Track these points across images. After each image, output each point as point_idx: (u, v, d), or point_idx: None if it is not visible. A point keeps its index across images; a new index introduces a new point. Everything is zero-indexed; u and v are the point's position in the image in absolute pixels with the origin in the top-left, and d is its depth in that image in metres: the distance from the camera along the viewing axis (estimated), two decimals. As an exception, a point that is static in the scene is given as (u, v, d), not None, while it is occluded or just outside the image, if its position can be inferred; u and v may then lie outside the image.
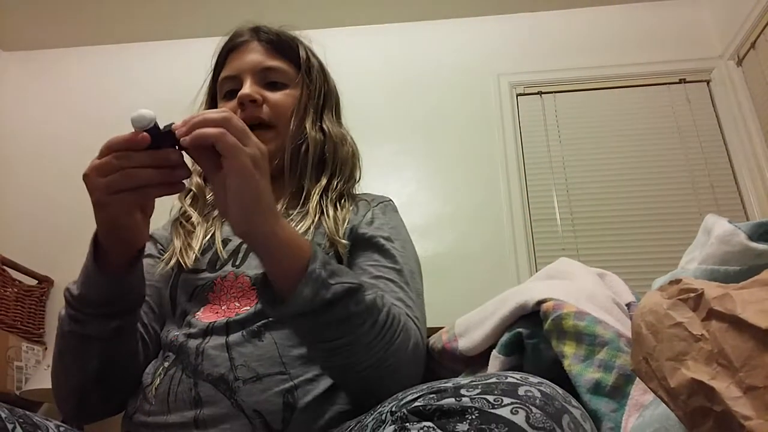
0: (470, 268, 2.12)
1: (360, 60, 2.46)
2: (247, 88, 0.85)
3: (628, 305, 0.84)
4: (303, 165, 0.87)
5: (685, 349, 0.38)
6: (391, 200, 0.92)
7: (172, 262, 0.80)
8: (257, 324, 0.71)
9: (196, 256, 0.79)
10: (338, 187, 0.88)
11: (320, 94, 0.93)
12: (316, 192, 0.85)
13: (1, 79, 2.63)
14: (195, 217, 0.86)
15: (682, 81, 2.33)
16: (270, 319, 0.72)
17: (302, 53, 0.93)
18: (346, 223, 0.82)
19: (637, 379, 0.61)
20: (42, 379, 1.77)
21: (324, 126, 0.91)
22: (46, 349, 2.06)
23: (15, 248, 2.17)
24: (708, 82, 2.33)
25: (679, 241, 1.93)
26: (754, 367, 0.34)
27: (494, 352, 0.77)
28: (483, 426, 0.42)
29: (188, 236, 0.83)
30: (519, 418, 0.43)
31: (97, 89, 2.58)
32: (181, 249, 0.81)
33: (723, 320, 0.36)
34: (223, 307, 0.75)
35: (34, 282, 2.15)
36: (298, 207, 0.84)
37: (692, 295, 0.39)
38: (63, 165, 2.44)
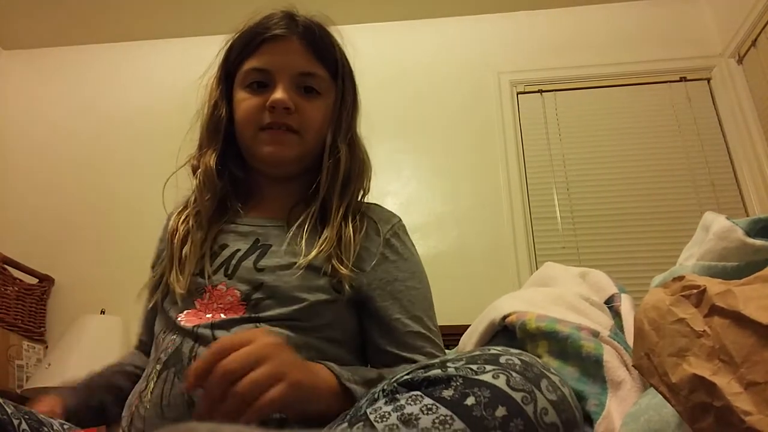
0: (470, 266, 2.12)
1: (358, 58, 2.45)
2: (282, 92, 0.81)
3: (611, 297, 0.88)
4: (332, 181, 0.84)
5: (686, 345, 0.38)
6: (399, 220, 0.90)
7: (158, 293, 0.80)
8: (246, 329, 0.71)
9: (188, 280, 0.78)
10: (356, 206, 0.86)
11: (352, 105, 0.91)
12: (340, 213, 0.82)
13: (3, 79, 2.63)
14: (191, 221, 0.83)
15: (682, 79, 2.33)
16: (257, 325, 0.72)
17: (339, 58, 0.89)
18: (356, 249, 0.80)
19: (605, 359, 0.65)
20: (43, 378, 1.77)
21: (353, 141, 0.89)
22: (46, 347, 2.07)
23: (16, 247, 2.17)
24: (708, 80, 2.33)
25: (679, 239, 1.93)
26: (756, 363, 0.34)
27: None
28: (467, 390, 0.46)
29: (181, 248, 0.81)
30: (500, 382, 0.46)
31: (99, 88, 2.58)
32: (173, 272, 0.79)
33: (725, 316, 0.36)
34: (207, 315, 0.74)
35: (34, 281, 2.15)
36: (322, 226, 0.81)
37: (695, 291, 0.39)
38: (64, 164, 2.44)
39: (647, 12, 2.45)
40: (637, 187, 2.19)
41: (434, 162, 2.33)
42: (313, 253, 0.76)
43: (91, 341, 1.84)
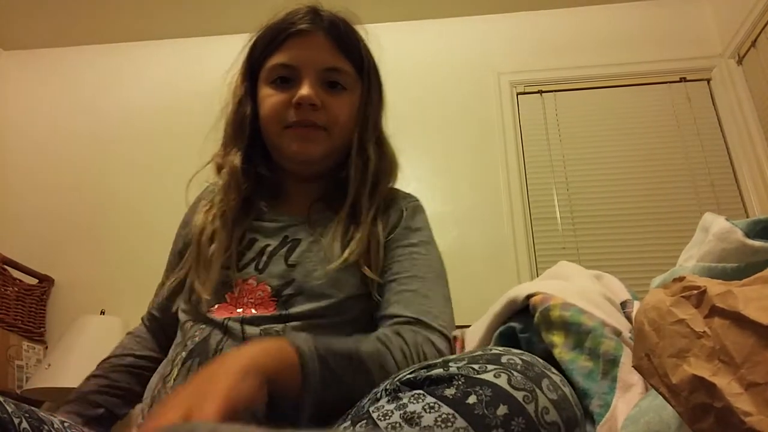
0: (470, 267, 2.12)
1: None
2: (308, 88, 0.79)
3: (624, 303, 0.86)
4: (361, 182, 0.82)
5: (687, 345, 0.38)
6: (417, 201, 0.91)
7: (185, 291, 0.79)
8: (276, 328, 0.70)
9: (213, 285, 0.76)
10: (383, 203, 0.84)
11: (378, 102, 0.89)
12: (371, 214, 0.80)
13: (3, 79, 2.63)
14: (218, 221, 0.81)
15: (682, 80, 2.33)
16: (288, 324, 0.71)
17: (364, 54, 0.88)
18: (381, 245, 0.79)
19: (622, 360, 0.64)
20: (42, 378, 1.77)
21: (380, 139, 0.88)
22: (46, 348, 2.06)
23: (16, 247, 2.17)
24: (708, 80, 2.33)
25: (679, 240, 1.93)
26: (756, 364, 0.34)
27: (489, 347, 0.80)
28: (468, 389, 0.46)
29: (208, 248, 0.79)
30: (501, 381, 0.46)
31: (99, 88, 2.58)
32: (198, 277, 0.77)
33: (725, 317, 0.36)
34: (238, 310, 0.74)
35: (34, 281, 2.15)
36: (353, 226, 0.80)
37: (695, 292, 0.39)
38: (64, 164, 2.44)
39: (647, 12, 2.45)
40: (636, 187, 2.19)
41: (434, 162, 2.33)
42: (344, 256, 0.75)
43: (91, 342, 1.84)
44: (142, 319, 0.94)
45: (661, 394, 0.40)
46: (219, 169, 0.86)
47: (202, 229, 0.81)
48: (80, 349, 1.81)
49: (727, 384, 0.35)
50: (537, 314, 0.74)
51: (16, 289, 2.05)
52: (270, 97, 0.83)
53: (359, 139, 0.84)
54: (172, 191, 2.45)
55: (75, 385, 1.71)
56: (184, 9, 2.48)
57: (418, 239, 0.83)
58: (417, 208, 0.88)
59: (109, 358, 0.89)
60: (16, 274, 2.07)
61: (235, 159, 0.83)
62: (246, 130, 0.85)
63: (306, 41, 0.82)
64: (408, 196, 0.90)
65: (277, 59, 0.83)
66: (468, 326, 0.96)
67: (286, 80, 0.82)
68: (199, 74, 2.50)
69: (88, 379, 0.85)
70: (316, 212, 0.83)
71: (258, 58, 0.87)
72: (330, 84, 0.83)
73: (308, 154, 0.82)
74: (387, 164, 0.87)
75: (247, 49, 0.89)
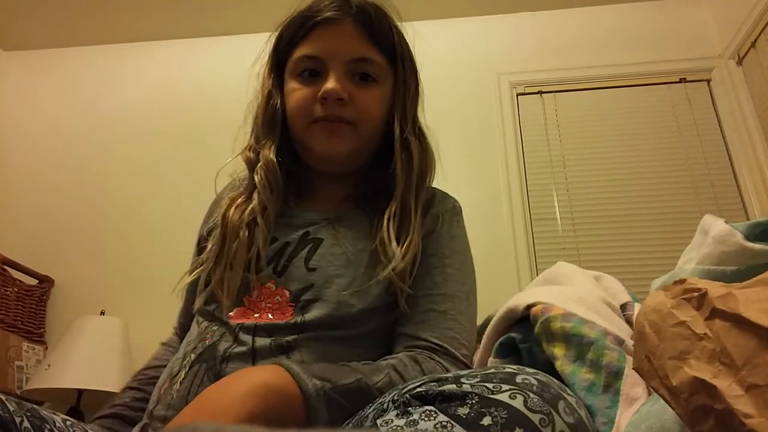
0: (470, 267, 2.11)
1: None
2: (334, 82, 0.75)
3: (624, 305, 0.85)
4: (407, 180, 0.77)
5: (687, 347, 0.38)
6: (455, 203, 0.86)
7: (204, 292, 0.74)
8: (288, 338, 0.67)
9: (234, 292, 0.72)
10: (424, 202, 0.79)
11: (414, 92, 0.84)
12: (419, 216, 0.75)
13: (3, 79, 2.63)
14: (248, 219, 0.76)
15: (682, 80, 2.33)
16: (302, 334, 0.68)
17: (397, 41, 0.83)
18: (419, 254, 0.74)
19: (625, 373, 0.63)
20: (42, 379, 1.77)
21: (421, 132, 0.83)
22: (46, 348, 2.06)
23: (15, 248, 2.17)
24: (708, 81, 2.33)
25: (679, 241, 1.93)
26: (756, 366, 0.34)
27: (490, 358, 0.79)
28: (483, 409, 0.44)
29: (231, 248, 0.74)
30: (517, 402, 0.44)
31: (99, 88, 2.58)
32: (217, 283, 0.73)
33: (726, 319, 0.36)
34: (255, 315, 0.71)
35: (34, 281, 2.15)
36: (398, 231, 0.74)
37: (696, 294, 0.39)
38: (64, 165, 2.44)
39: (647, 13, 2.45)
40: (636, 188, 2.19)
41: (434, 163, 2.32)
42: (395, 263, 0.70)
43: (91, 342, 1.84)
44: (174, 328, 0.92)
45: (661, 396, 0.40)
46: (249, 163, 0.83)
47: (227, 226, 0.77)
48: (80, 350, 1.81)
49: (727, 386, 0.35)
50: (537, 325, 0.73)
51: (16, 289, 2.05)
52: (295, 92, 0.79)
53: (401, 132, 0.79)
54: (172, 192, 2.44)
55: (75, 386, 1.73)
56: (183, 9, 2.48)
57: (453, 250, 0.78)
58: (455, 212, 0.83)
59: (145, 369, 0.86)
60: (16, 274, 2.07)
61: (270, 153, 0.79)
62: (278, 123, 0.81)
63: (333, 30, 0.78)
64: (446, 198, 0.85)
65: (303, 51, 0.79)
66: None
67: (312, 73, 0.78)
68: (199, 75, 2.50)
69: (123, 390, 0.82)
70: (344, 211, 0.79)
71: (284, 49, 0.83)
72: (360, 76, 0.79)
73: (335, 151, 0.78)
74: (430, 158, 0.83)
75: (273, 40, 0.84)
